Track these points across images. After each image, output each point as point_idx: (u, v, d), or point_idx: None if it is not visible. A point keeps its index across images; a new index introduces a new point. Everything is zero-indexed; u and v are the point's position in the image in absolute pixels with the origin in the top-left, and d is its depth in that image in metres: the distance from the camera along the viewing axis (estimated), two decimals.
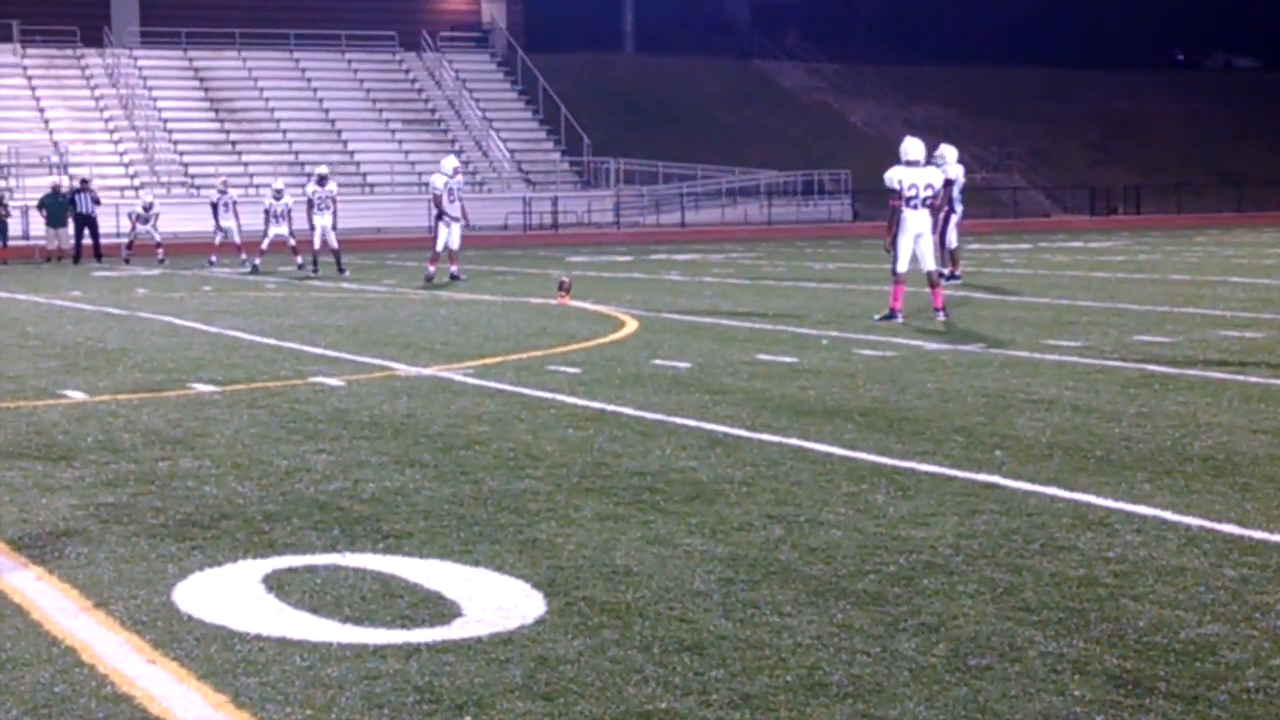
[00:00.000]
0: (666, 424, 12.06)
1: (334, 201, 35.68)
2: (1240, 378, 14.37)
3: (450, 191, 31.10)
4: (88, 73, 65.98)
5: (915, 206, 20.17)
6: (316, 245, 35.58)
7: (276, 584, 7.44)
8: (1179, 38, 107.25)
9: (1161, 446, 10.78)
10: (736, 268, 35.66)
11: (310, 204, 35.71)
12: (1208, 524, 8.40)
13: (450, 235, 30.97)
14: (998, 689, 5.85)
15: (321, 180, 36.28)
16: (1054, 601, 6.97)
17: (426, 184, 33.91)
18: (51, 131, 61.46)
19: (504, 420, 12.37)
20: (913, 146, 20.70)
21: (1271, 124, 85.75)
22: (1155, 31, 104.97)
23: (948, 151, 27.67)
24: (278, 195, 37.66)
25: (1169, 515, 8.62)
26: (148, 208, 44.19)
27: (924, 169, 20.68)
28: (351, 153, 64.17)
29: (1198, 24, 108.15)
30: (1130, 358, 15.98)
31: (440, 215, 31.18)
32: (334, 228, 35.40)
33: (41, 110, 63.01)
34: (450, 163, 32.30)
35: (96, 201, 45.24)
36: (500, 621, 6.78)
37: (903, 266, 20.22)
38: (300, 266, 36.73)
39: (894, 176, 20.25)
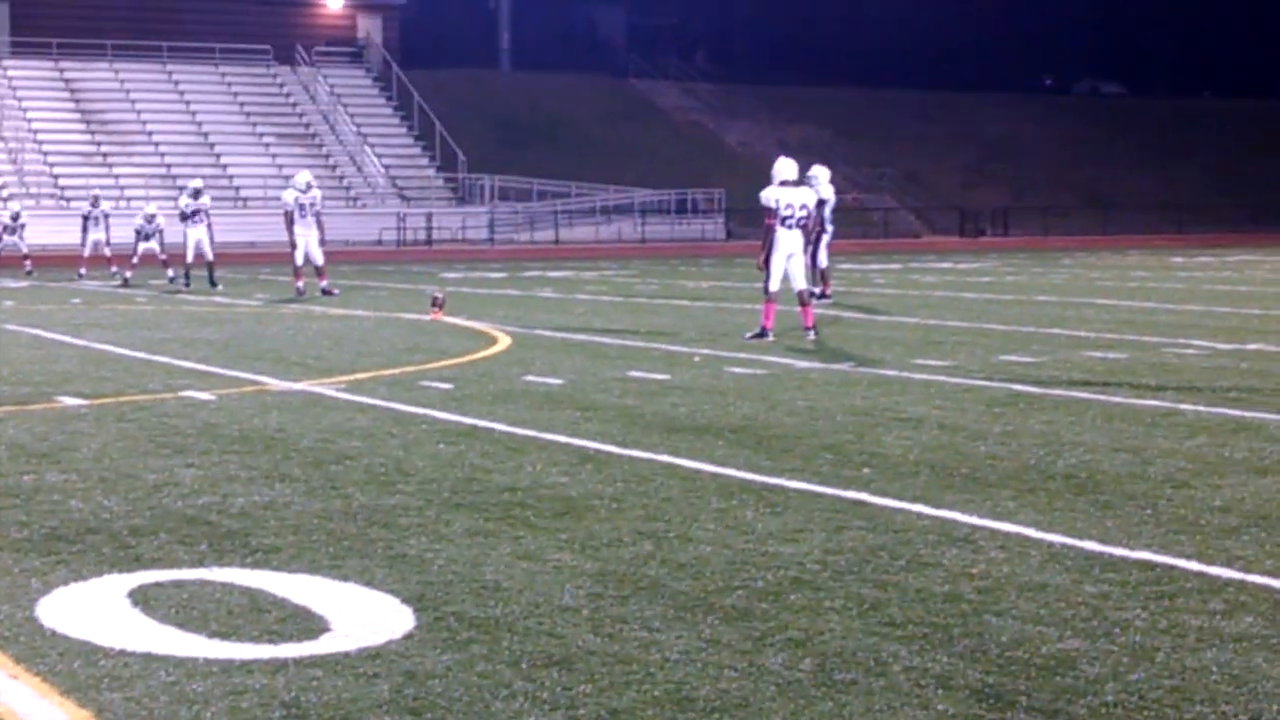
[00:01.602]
0: (538, 440, 12.05)
1: (208, 215, 35.43)
2: (1103, 398, 14.54)
3: (302, 207, 30.95)
4: None
5: (790, 226, 20.28)
6: (189, 258, 35.30)
7: (142, 599, 7.37)
8: (1048, 63, 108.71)
9: (1026, 465, 10.89)
10: (610, 285, 35.71)
11: (183, 215, 35.48)
12: (1069, 541, 8.49)
13: (309, 249, 30.77)
14: (863, 703, 5.89)
15: (195, 194, 36.02)
16: (918, 617, 7.02)
17: (279, 199, 33.68)
18: None
19: (375, 435, 12.32)
20: (786, 167, 20.80)
21: (1137, 149, 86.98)
22: (1025, 57, 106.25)
23: (820, 172, 27.85)
24: (149, 219, 37.38)
25: (1032, 532, 8.71)
26: (15, 218, 43.66)
27: (798, 189, 20.80)
28: (224, 166, 63.73)
29: (1066, 50, 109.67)
30: (996, 377, 16.14)
31: (290, 226, 31.01)
32: (211, 241, 35.18)
33: None
34: (303, 177, 32.18)
35: None
36: (369, 636, 6.75)
37: (775, 285, 20.31)
38: (172, 280, 36.41)
39: (771, 196, 20.33)
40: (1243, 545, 8.39)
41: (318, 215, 31.51)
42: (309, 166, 54.26)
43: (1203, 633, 6.78)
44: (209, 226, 35.28)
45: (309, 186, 31.71)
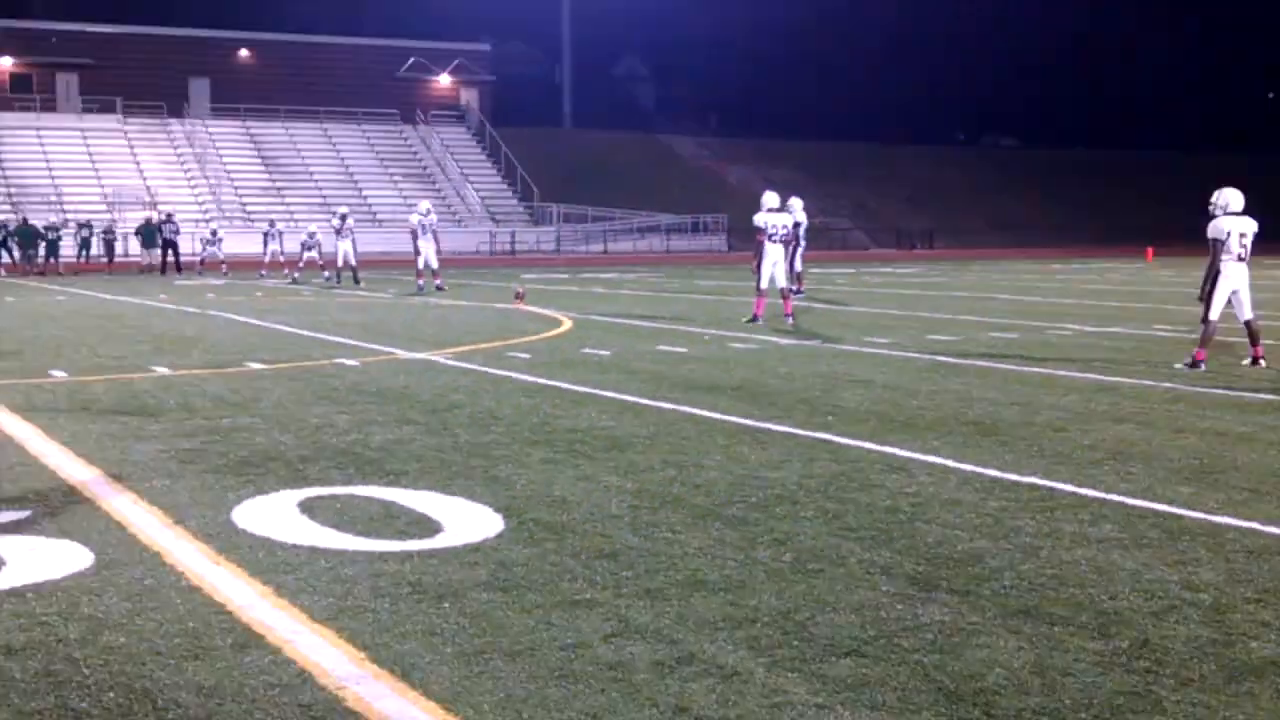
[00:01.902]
0: (592, 395, 12.08)
1: (352, 232, 35.58)
2: (1002, 366, 14.52)
3: (424, 226, 31.01)
4: (172, 136, 65.25)
5: (774, 241, 20.27)
6: (340, 264, 35.38)
7: (308, 507, 7.42)
8: (962, 122, 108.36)
9: (946, 414, 10.89)
10: (644, 284, 35.69)
11: (336, 231, 35.69)
12: (978, 469, 8.50)
13: (428, 257, 30.84)
14: (827, 585, 5.91)
15: (343, 217, 36.15)
16: (868, 523, 7.03)
17: (407, 220, 33.80)
18: (145, 179, 60.79)
19: (474, 391, 12.36)
20: (771, 198, 20.83)
21: (1027, 185, 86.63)
22: (945, 118, 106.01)
23: (795, 202, 27.69)
24: (311, 235, 37.76)
25: (950, 463, 8.72)
26: (214, 234, 43.99)
27: (780, 213, 20.77)
28: (365, 197, 63.76)
29: (975, 112, 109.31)
30: (924, 351, 16.11)
31: (415, 241, 31.12)
32: (355, 251, 35.40)
33: (138, 163, 62.29)
34: (425, 204, 32.34)
35: (177, 230, 44.91)
36: (470, 535, 6.79)
37: (764, 284, 20.31)
38: (327, 279, 36.49)
39: (761, 219, 20.35)
40: (1104, 473, 8.39)
41: (435, 232, 31.57)
42: (427, 197, 54.34)
43: (1075, 536, 6.79)
44: (353, 240, 35.43)
45: (429, 211, 31.80)
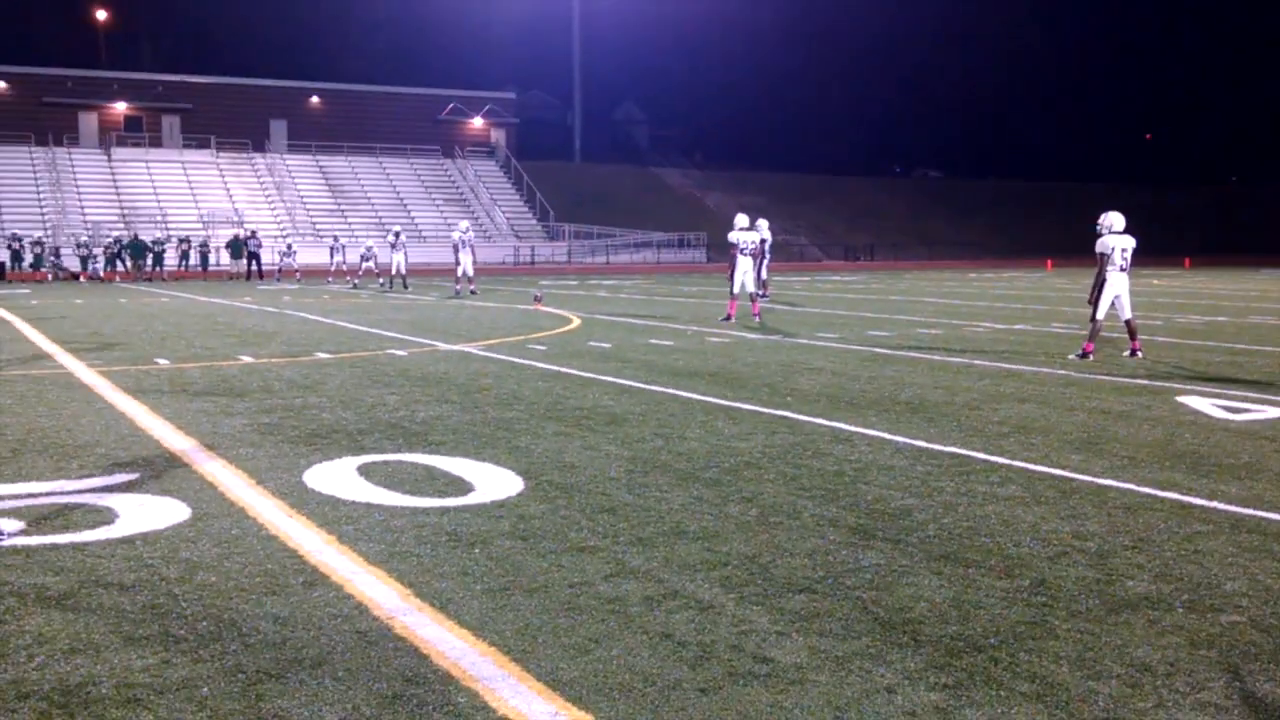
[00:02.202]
0: (596, 379, 12.07)
1: (404, 246, 35.53)
2: (929, 356, 14.52)
3: (463, 242, 30.98)
4: (255, 168, 65.00)
5: (745, 254, 20.23)
6: (393, 272, 35.31)
7: (365, 471, 7.41)
8: (897, 157, 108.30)
9: (883, 395, 10.89)
10: (638, 289, 35.65)
11: (391, 246, 35.66)
12: (908, 440, 8.50)
13: (465, 266, 30.80)
14: (785, 535, 5.91)
15: (397, 234, 36.09)
16: (819, 484, 7.04)
17: (450, 237, 33.79)
18: (233, 202, 60.59)
19: (500, 376, 12.35)
20: (742, 219, 20.76)
21: (950, 211, 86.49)
22: (884, 153, 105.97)
23: (762, 222, 27.55)
24: (369, 249, 37.68)
25: (886, 435, 8.72)
26: (289, 248, 43.94)
27: (749, 231, 20.72)
28: (413, 217, 63.56)
29: (908, 149, 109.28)
30: (865, 344, 16.11)
31: (456, 254, 31.09)
32: (405, 262, 35.33)
33: (228, 189, 62.08)
34: (464, 224, 32.25)
35: (260, 245, 44.81)
36: (497, 494, 6.79)
37: (736, 289, 20.27)
38: (381, 285, 36.42)
39: (734, 236, 20.31)
40: (1010, 444, 8.39)
41: (473, 246, 31.51)
42: (465, 218, 54.22)
43: (985, 495, 6.79)
44: (405, 253, 35.37)
45: (468, 229, 31.75)
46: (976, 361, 13.89)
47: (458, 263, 31.02)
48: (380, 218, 62.55)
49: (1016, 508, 6.48)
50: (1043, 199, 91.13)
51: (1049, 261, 61.01)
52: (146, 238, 46.37)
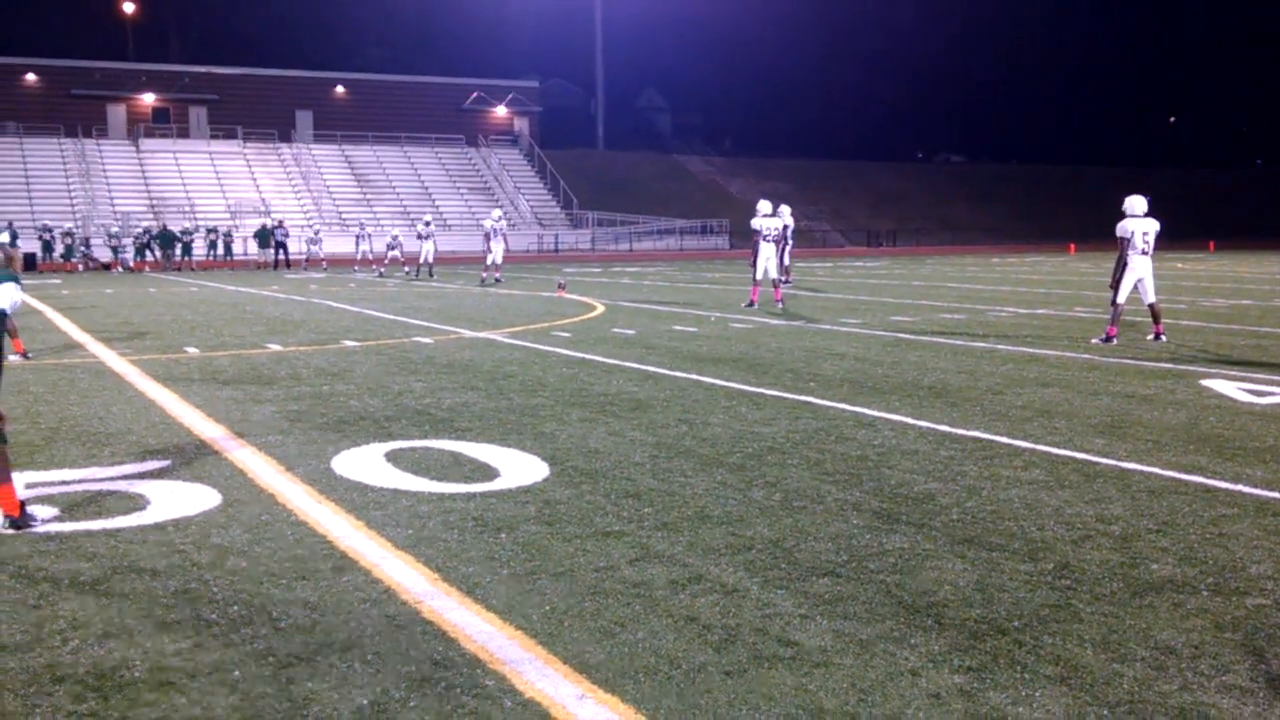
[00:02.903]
0: (620, 366, 12.08)
1: (434, 235, 35.61)
2: (952, 341, 14.46)
3: (495, 231, 31.03)
4: (282, 158, 65.21)
5: (767, 241, 20.18)
6: (420, 261, 35.38)
7: (392, 457, 7.44)
8: (919, 142, 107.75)
9: (906, 380, 10.86)
10: (662, 276, 35.61)
11: (420, 235, 35.71)
12: (931, 425, 8.48)
13: (495, 255, 30.87)
14: (809, 519, 5.91)
15: (427, 223, 36.15)
16: (842, 469, 7.03)
17: (481, 225, 33.84)
18: (260, 192, 60.84)
19: (525, 363, 12.37)
20: (765, 205, 20.73)
21: (972, 195, 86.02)
22: (905, 138, 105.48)
23: (784, 209, 27.49)
24: (394, 238, 37.67)
25: (909, 420, 8.69)
26: (316, 233, 44.15)
27: (772, 218, 20.67)
28: (438, 207, 63.64)
29: (930, 134, 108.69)
30: (888, 329, 16.06)
31: (487, 242, 31.15)
32: (434, 251, 35.38)
33: (254, 180, 62.33)
34: (496, 213, 32.35)
35: (286, 234, 44.99)
36: (522, 479, 6.81)
37: (759, 276, 20.23)
38: (407, 274, 36.50)
39: (756, 223, 20.27)
40: (1033, 428, 8.36)
41: (505, 235, 31.61)
42: (489, 207, 54.31)
43: (1010, 479, 6.77)
44: (434, 242, 35.43)
45: (500, 218, 31.87)
46: (1000, 346, 13.83)
47: (489, 250, 31.05)
48: (405, 207, 62.69)
49: (1040, 491, 6.46)
50: (1065, 183, 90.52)
51: (1072, 246, 60.61)
52: (175, 228, 46.64)
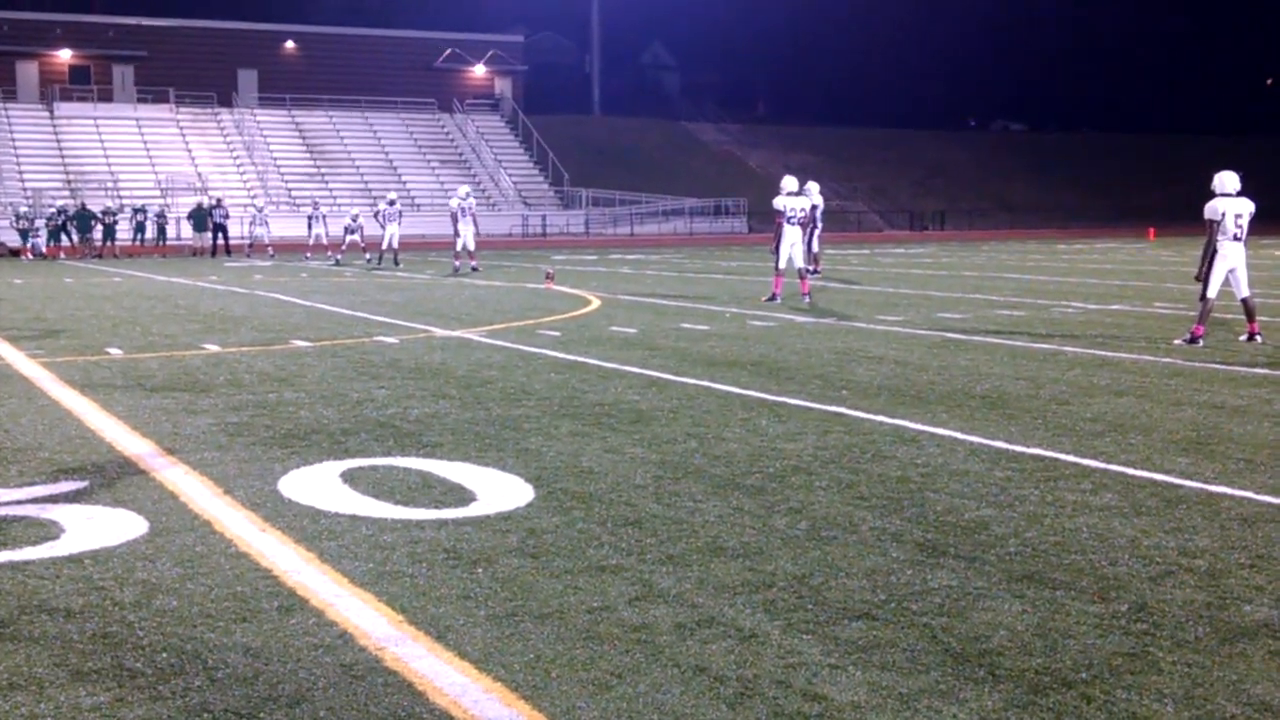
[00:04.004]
0: (619, 370, 12.08)
1: (400, 215, 35.68)
2: (1009, 342, 14.47)
3: (463, 210, 31.10)
4: (221, 125, 65.38)
5: (792, 223, 20.23)
6: (383, 247, 35.43)
7: (349, 478, 7.45)
8: (971, 108, 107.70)
9: (955, 388, 10.86)
10: (668, 264, 35.66)
11: (382, 216, 35.79)
12: (985, 441, 8.48)
13: (466, 239, 30.94)
14: (840, 552, 5.91)
15: (391, 202, 36.20)
16: (879, 493, 7.03)
17: (448, 204, 33.87)
18: (196, 166, 60.96)
19: (507, 367, 12.37)
20: (790, 181, 20.78)
21: (1034, 169, 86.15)
22: (955, 103, 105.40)
23: (812, 186, 27.58)
24: (354, 219, 37.69)
25: (959, 434, 8.70)
26: (260, 210, 44.23)
27: (798, 197, 20.72)
28: (404, 183, 63.75)
29: (984, 98, 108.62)
30: (934, 328, 16.07)
31: (455, 224, 31.20)
32: (398, 234, 35.44)
33: (189, 151, 62.48)
34: (464, 189, 32.46)
35: (226, 215, 45.12)
36: (502, 504, 6.81)
37: (782, 264, 20.29)
38: (368, 261, 36.57)
39: (779, 202, 20.33)
40: (1105, 444, 8.36)
41: (474, 216, 31.68)
42: (463, 182, 54.37)
43: (1076, 505, 6.77)
44: (398, 224, 35.48)
45: (468, 195, 31.94)
46: (1066, 348, 13.83)
47: (456, 234, 31.12)
48: (366, 183, 62.81)
49: (1113, 519, 6.46)
50: (1144, 155, 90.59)
51: (1151, 230, 60.65)
52: (95, 208, 46.71)
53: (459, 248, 31.03)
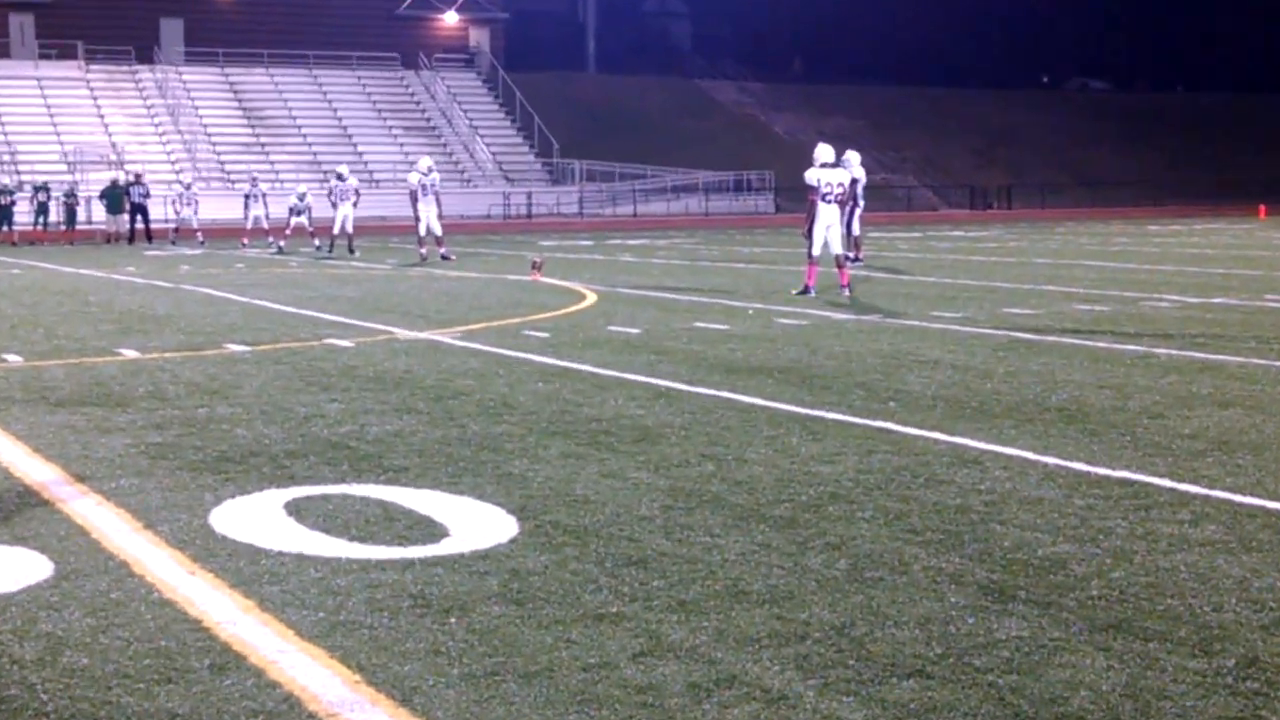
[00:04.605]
0: (619, 379, 12.07)
1: (356, 194, 35.64)
2: (1089, 343, 14.46)
3: (424, 187, 31.08)
4: (140, 85, 65.47)
5: (828, 201, 20.24)
6: (336, 231, 35.45)
7: (296, 509, 7.44)
8: (1043, 63, 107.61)
9: (1025, 399, 10.85)
10: (678, 251, 35.66)
11: (335, 195, 35.77)
12: (1061, 462, 8.47)
13: (430, 222, 30.93)
14: (888, 597, 5.90)
15: (341, 177, 36.22)
16: (935, 525, 7.02)
17: (406, 180, 33.90)
18: (110, 134, 61.05)
19: (485, 375, 12.37)
20: (825, 151, 20.78)
21: (1119, 135, 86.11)
22: (1024, 57, 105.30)
23: (852, 156, 27.71)
24: (301, 198, 37.70)
25: (1030, 455, 8.69)
26: (187, 188, 44.30)
27: (835, 169, 20.74)
28: (361, 154, 63.81)
29: (1059, 51, 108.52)
30: (1000, 326, 16.06)
31: (414, 204, 31.18)
32: (353, 215, 35.42)
33: (102, 117, 62.56)
34: (425, 162, 32.45)
35: (147, 194, 45.20)
36: (480, 540, 6.80)
37: (816, 250, 20.29)
38: (318, 248, 36.61)
39: (812, 176, 20.32)
40: (1208, 466, 8.35)
41: (437, 194, 31.66)
42: (429, 154, 54.38)
43: (1173, 539, 6.76)
44: (353, 203, 35.45)
45: (430, 170, 31.92)
46: (1158, 350, 13.82)
47: (418, 217, 31.15)
48: (315, 154, 62.91)
49: (1217, 556, 6.45)
50: (1252, 119, 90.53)
51: (1262, 207, 60.63)
52: None
53: (423, 232, 31.04)
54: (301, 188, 39.95)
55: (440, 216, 31.61)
